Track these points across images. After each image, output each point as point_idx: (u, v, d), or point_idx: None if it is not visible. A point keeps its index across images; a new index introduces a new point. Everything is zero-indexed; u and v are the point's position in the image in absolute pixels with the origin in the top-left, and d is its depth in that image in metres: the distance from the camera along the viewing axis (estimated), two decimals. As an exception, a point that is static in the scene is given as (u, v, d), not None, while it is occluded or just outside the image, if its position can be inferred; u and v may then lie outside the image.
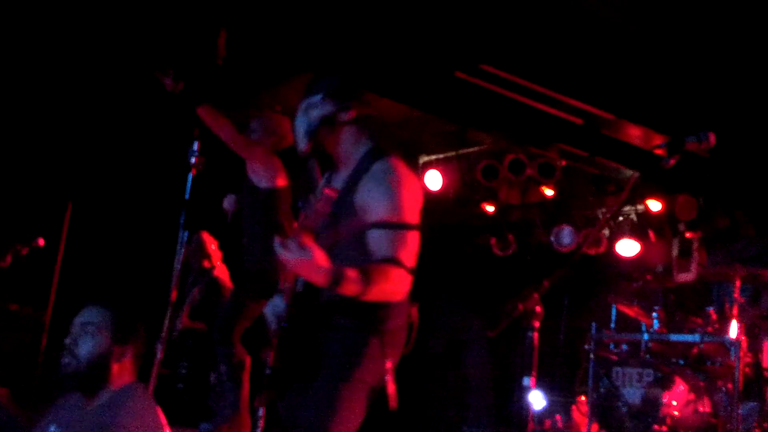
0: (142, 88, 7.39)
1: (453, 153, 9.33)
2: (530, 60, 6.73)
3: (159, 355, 5.06)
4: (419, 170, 9.33)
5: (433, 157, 9.43)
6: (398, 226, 3.55)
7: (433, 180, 9.19)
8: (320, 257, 3.30)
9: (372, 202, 3.59)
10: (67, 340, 3.61)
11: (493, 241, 10.30)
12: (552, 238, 9.55)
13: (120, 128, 8.32)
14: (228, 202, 6.68)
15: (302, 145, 3.84)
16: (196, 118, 5.75)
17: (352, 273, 3.36)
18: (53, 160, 8.59)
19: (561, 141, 8.53)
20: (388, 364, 3.66)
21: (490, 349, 9.48)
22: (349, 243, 3.62)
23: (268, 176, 6.06)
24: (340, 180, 3.80)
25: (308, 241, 3.31)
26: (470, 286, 10.02)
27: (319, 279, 3.33)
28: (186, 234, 5.45)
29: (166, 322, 5.10)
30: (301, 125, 3.83)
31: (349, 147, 3.80)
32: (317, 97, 3.81)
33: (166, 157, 6.25)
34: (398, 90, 7.31)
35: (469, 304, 9.52)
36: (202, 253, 7.48)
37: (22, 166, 8.52)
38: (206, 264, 7.49)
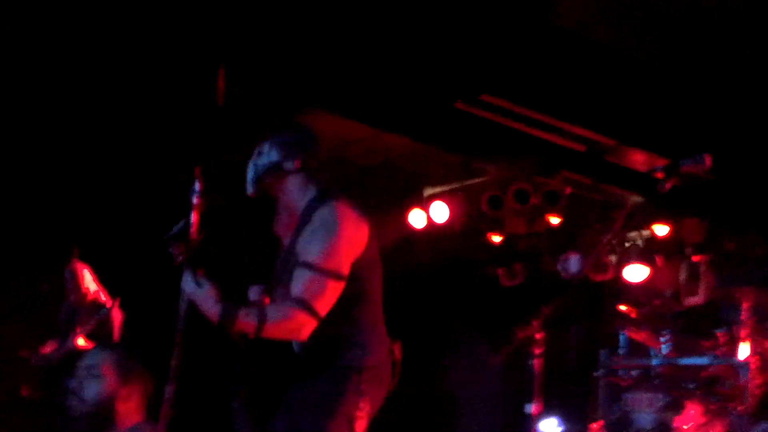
0: (144, 127, 7.44)
1: (457, 185, 9.32)
2: (530, 88, 6.74)
3: (168, 395, 5.04)
4: (424, 203, 9.30)
5: (438, 189, 9.41)
6: (320, 271, 3.65)
7: (439, 212, 9.17)
8: (212, 293, 3.54)
9: (305, 244, 3.76)
10: (73, 384, 3.62)
11: (500, 271, 10.27)
12: (559, 267, 9.51)
13: (122, 168, 8.34)
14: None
15: (249, 189, 4.07)
16: (198, 157, 5.77)
17: (243, 311, 3.56)
18: (57, 205, 8.61)
19: (565, 168, 8.51)
20: (365, 403, 3.76)
21: (502, 378, 9.43)
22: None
23: None
24: (285, 227, 4.01)
25: (201, 275, 3.57)
26: (479, 318, 9.98)
27: (212, 314, 3.57)
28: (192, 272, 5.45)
29: (174, 362, 5.08)
30: (250, 170, 4.07)
31: (295, 196, 4.00)
32: (266, 146, 4.05)
33: (169, 196, 6.26)
34: (399, 123, 7.33)
35: (479, 335, 9.48)
36: (77, 284, 7.32)
37: (26, 210, 8.55)
38: (90, 295, 7.34)
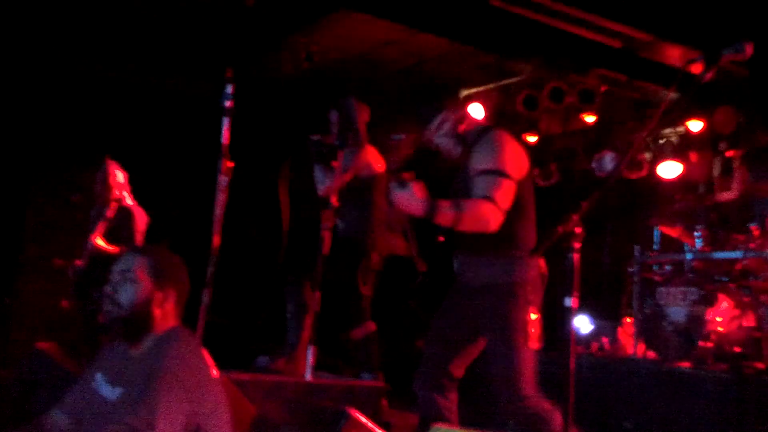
0: (174, 30, 7.41)
1: (492, 85, 9.24)
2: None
3: (205, 301, 5.11)
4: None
5: (473, 90, 9.34)
6: (494, 173, 4.22)
7: (475, 113, 9.08)
8: (418, 190, 4.07)
9: (477, 158, 4.34)
10: (108, 289, 3.64)
11: (535, 171, 10.23)
12: (594, 165, 9.46)
13: (154, 74, 8.35)
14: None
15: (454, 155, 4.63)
16: (229, 59, 5.79)
17: (444, 203, 4.12)
18: (89, 113, 8.67)
19: (600, 66, 8.42)
20: (533, 310, 4.31)
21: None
22: None
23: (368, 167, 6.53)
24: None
25: (407, 177, 4.09)
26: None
27: (418, 209, 4.10)
28: (226, 180, 5.49)
29: (211, 268, 5.14)
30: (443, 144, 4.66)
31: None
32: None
33: (202, 100, 6.29)
34: (433, 22, 7.27)
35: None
36: (106, 182, 7.33)
37: (59, 120, 8.61)
38: (114, 194, 7.36)
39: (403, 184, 4.10)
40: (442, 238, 7.07)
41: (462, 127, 4.59)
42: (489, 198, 4.17)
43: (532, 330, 4.27)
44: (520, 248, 4.39)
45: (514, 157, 4.35)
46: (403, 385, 6.39)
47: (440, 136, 4.64)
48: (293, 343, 6.43)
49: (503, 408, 4.36)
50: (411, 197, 4.09)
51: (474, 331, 4.48)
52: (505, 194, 4.23)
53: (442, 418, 4.44)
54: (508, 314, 4.29)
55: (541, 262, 4.47)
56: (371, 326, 6.44)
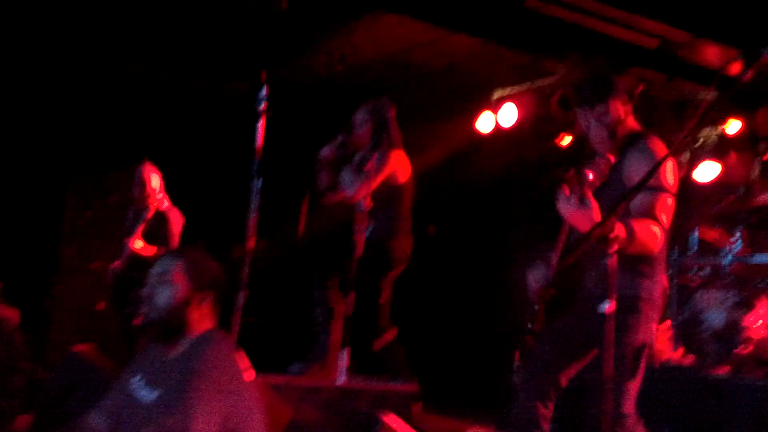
0: (207, 33, 7.43)
1: (527, 86, 9.19)
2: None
3: (241, 303, 5.11)
4: (493, 105, 9.20)
5: (508, 91, 9.29)
6: (658, 189, 4.10)
7: (508, 114, 9.05)
8: (596, 211, 3.75)
9: (637, 170, 4.15)
10: (146, 291, 3.66)
11: (571, 173, 10.14)
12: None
13: (189, 76, 8.37)
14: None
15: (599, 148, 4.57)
16: (263, 62, 5.78)
17: (620, 227, 3.72)
18: (126, 115, 8.70)
19: (636, 65, 8.35)
20: (654, 327, 4.32)
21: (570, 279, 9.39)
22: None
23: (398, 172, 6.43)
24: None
25: (590, 195, 3.79)
26: (549, 220, 9.90)
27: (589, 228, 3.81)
28: (260, 182, 5.50)
29: (246, 269, 5.15)
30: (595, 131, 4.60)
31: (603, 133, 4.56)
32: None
33: (236, 103, 6.28)
34: (467, 23, 7.24)
35: (548, 237, 9.43)
36: (143, 185, 7.33)
37: (95, 121, 8.66)
38: (151, 197, 7.35)
39: (584, 201, 3.81)
40: (432, 230, 7.04)
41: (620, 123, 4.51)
42: (654, 218, 4.05)
43: (649, 348, 4.24)
44: (650, 263, 4.29)
45: (672, 168, 4.27)
46: (438, 389, 6.37)
47: (597, 123, 4.56)
48: (323, 348, 6.41)
49: (598, 423, 4.26)
50: (589, 218, 3.78)
51: (590, 343, 4.32)
52: (668, 212, 4.14)
53: (538, 428, 4.35)
54: (628, 329, 4.18)
55: (664, 279, 4.44)
56: (391, 334, 6.39)
